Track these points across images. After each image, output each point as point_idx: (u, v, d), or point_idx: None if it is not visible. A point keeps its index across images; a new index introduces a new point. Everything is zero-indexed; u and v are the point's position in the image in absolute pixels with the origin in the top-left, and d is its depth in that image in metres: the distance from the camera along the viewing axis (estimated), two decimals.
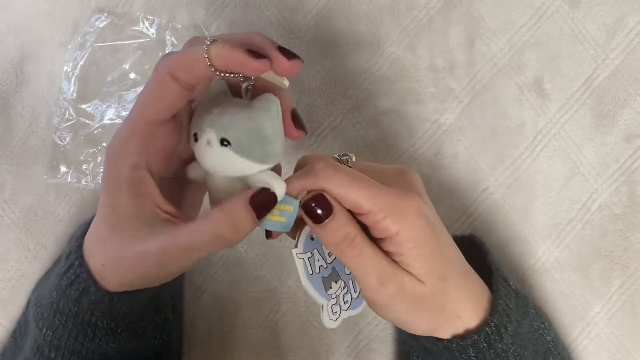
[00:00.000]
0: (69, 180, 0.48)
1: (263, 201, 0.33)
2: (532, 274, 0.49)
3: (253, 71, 0.32)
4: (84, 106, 0.49)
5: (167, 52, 0.35)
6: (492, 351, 0.37)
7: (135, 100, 0.34)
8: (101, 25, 0.49)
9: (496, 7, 0.50)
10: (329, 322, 0.37)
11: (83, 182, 0.48)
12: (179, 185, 0.38)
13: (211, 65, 0.31)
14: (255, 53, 0.31)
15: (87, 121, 0.48)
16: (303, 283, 0.36)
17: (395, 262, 0.35)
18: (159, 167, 0.35)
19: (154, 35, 0.49)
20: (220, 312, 0.49)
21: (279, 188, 0.33)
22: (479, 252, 0.43)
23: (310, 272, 0.36)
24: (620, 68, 0.50)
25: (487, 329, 0.37)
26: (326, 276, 0.37)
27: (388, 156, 0.49)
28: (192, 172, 0.37)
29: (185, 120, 0.36)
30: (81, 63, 0.49)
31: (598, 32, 0.50)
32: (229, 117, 0.33)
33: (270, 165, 0.34)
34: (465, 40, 0.50)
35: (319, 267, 0.36)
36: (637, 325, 0.49)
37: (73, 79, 0.48)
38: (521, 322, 0.39)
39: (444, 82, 0.50)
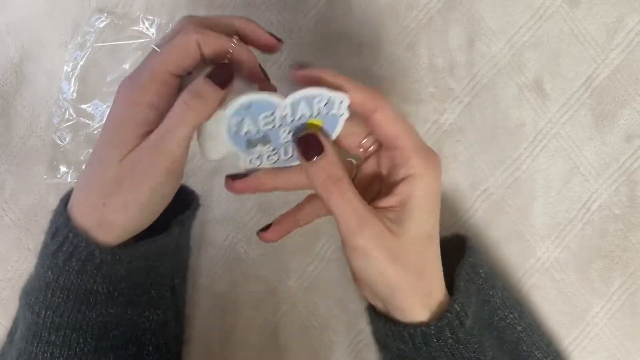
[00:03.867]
0: (69, 180, 0.48)
1: (222, 73, 0.36)
2: (532, 273, 0.49)
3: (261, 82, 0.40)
4: (84, 106, 0.49)
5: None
6: (454, 336, 0.37)
7: (152, 54, 0.37)
8: (101, 26, 0.49)
9: (496, 7, 0.50)
10: (244, 168, 0.39)
11: None
12: None
13: (228, 57, 0.37)
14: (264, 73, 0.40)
15: (87, 121, 0.48)
16: (227, 140, 0.37)
17: (391, 212, 0.37)
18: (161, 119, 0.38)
19: (154, 35, 0.49)
20: (220, 312, 0.49)
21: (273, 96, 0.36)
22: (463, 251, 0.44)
23: (234, 132, 0.37)
24: (620, 68, 0.50)
25: (454, 307, 0.37)
26: (253, 139, 0.37)
27: None
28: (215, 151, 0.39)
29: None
30: (81, 63, 0.49)
31: (598, 32, 0.50)
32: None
33: None
34: (465, 41, 0.50)
35: (246, 131, 0.37)
36: (637, 325, 0.49)
37: (73, 79, 0.49)
38: (480, 309, 0.40)
39: (444, 82, 0.50)
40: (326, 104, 0.36)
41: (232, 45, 0.37)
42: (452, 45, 0.50)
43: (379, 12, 0.50)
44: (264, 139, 0.37)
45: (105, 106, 0.49)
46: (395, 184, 0.37)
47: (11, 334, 0.45)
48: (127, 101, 0.36)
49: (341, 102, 0.36)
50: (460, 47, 0.50)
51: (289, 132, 0.37)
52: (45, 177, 0.48)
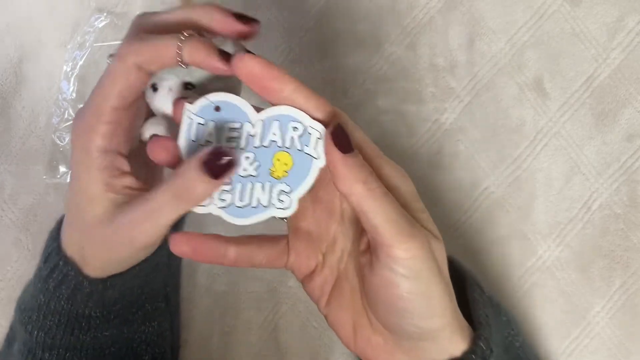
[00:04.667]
0: (68, 180, 0.48)
1: (218, 166, 0.30)
2: (532, 272, 0.49)
3: (222, 72, 0.31)
4: None
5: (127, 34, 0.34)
6: None
7: (97, 86, 0.33)
8: (101, 25, 0.49)
9: (497, 7, 0.50)
10: None
11: None
12: (139, 161, 0.38)
13: (182, 62, 0.31)
14: (227, 56, 0.31)
15: None
16: (178, 142, 0.32)
17: None
18: (126, 146, 0.35)
19: None
20: (220, 312, 0.49)
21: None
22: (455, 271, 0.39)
23: (193, 139, 0.31)
24: (620, 67, 0.49)
25: (481, 343, 0.34)
26: None
27: (388, 156, 0.49)
28: (149, 129, 0.35)
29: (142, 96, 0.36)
30: (81, 63, 0.49)
31: (599, 32, 0.50)
32: (186, 68, 0.32)
33: None
34: (465, 40, 0.50)
35: (206, 141, 0.31)
36: (637, 325, 0.49)
37: (72, 79, 0.48)
38: (497, 329, 0.37)
39: (444, 82, 0.50)
40: (301, 135, 0.31)
41: (178, 53, 0.31)
42: (452, 44, 0.50)
43: (379, 12, 0.50)
44: None
45: None
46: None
47: (8, 338, 0.45)
48: (80, 148, 0.33)
49: (318, 139, 0.30)
50: (460, 47, 0.50)
51: (251, 163, 0.31)
52: (44, 177, 0.48)
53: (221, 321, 0.49)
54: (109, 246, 0.34)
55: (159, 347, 0.43)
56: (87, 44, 0.49)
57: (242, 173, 0.32)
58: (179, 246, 0.33)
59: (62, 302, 0.37)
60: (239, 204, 0.32)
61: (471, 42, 0.50)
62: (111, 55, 0.34)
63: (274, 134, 0.31)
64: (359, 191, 0.30)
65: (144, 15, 0.34)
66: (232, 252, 0.34)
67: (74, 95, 0.48)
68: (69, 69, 0.48)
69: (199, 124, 0.31)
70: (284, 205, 0.31)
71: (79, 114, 0.34)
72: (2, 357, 0.45)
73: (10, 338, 0.45)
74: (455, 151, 0.49)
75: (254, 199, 0.32)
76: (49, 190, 0.48)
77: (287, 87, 0.31)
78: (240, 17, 0.32)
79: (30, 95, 0.49)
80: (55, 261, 0.36)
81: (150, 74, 0.33)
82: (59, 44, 0.49)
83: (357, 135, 0.32)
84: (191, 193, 0.31)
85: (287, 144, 0.31)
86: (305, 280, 0.36)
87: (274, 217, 0.32)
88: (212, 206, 0.32)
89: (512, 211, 0.49)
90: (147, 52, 0.31)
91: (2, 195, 0.48)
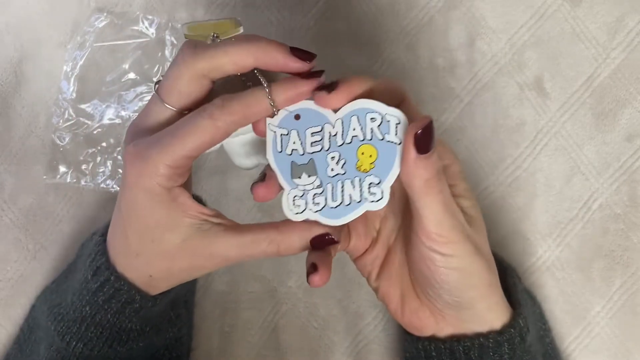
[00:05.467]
0: (68, 180, 0.48)
1: (319, 240, 0.33)
2: (533, 272, 0.49)
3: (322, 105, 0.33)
4: (83, 106, 0.48)
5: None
6: (511, 352, 0.36)
7: (175, 126, 0.32)
8: (100, 25, 0.49)
9: (497, 7, 0.49)
10: (288, 211, 0.33)
11: (82, 183, 0.48)
12: None
13: (275, 108, 0.32)
14: (323, 86, 0.32)
15: (86, 121, 0.48)
16: (267, 156, 0.33)
17: None
18: (185, 178, 0.35)
19: (154, 35, 0.49)
20: (220, 312, 0.49)
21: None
22: None
23: (279, 150, 0.32)
24: (621, 67, 0.49)
25: (520, 320, 0.36)
26: (298, 164, 0.33)
27: None
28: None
29: None
30: (80, 63, 0.49)
31: (599, 32, 0.50)
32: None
33: None
34: (465, 40, 0.50)
35: (292, 150, 0.32)
36: (638, 325, 0.49)
37: (72, 79, 0.48)
38: (532, 321, 0.39)
39: (444, 82, 0.50)
40: (380, 124, 0.31)
41: (271, 104, 0.32)
42: (452, 44, 0.50)
43: (379, 12, 0.50)
44: (309, 167, 0.33)
45: (104, 106, 0.49)
46: None
47: (19, 341, 0.45)
48: (141, 186, 0.33)
49: (397, 124, 0.31)
50: (460, 47, 0.50)
51: (337, 161, 0.32)
52: (44, 177, 0.48)
53: (221, 321, 0.49)
54: (191, 270, 0.35)
55: (177, 351, 0.43)
56: (87, 44, 0.49)
57: (330, 173, 0.32)
58: (320, 282, 0.35)
59: (109, 316, 0.37)
60: (332, 204, 0.33)
61: (471, 42, 0.50)
62: (183, 25, 0.34)
63: (354, 129, 0.32)
64: (417, 185, 0.31)
65: (199, 52, 0.32)
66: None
67: (74, 95, 0.48)
68: (69, 69, 0.48)
69: (283, 135, 0.32)
70: (376, 197, 0.32)
71: (139, 153, 0.33)
72: (17, 358, 0.45)
73: (21, 341, 0.45)
74: (456, 151, 0.49)
75: (345, 196, 0.32)
76: (48, 191, 0.48)
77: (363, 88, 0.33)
78: (298, 53, 0.33)
79: (30, 95, 0.49)
80: (106, 276, 0.36)
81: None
82: (59, 44, 0.49)
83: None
84: (288, 252, 0.34)
85: (369, 136, 0.31)
86: (358, 258, 0.39)
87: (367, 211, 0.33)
88: (307, 211, 0.33)
89: (512, 211, 0.49)
90: (240, 111, 0.32)
91: (2, 195, 0.48)
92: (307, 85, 0.32)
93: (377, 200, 0.32)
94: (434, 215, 0.32)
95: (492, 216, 0.49)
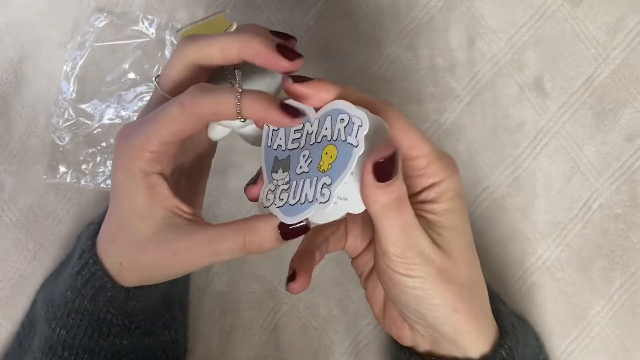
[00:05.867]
0: (68, 180, 0.48)
1: (292, 231, 0.32)
2: (533, 272, 0.49)
3: (284, 126, 0.33)
4: (83, 106, 0.48)
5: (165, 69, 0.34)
6: None
7: (153, 113, 0.33)
8: (100, 25, 0.49)
9: (497, 7, 0.49)
10: (259, 204, 0.34)
11: (82, 182, 0.48)
12: (183, 174, 0.39)
13: (240, 115, 0.31)
14: (290, 109, 0.31)
15: (86, 121, 0.48)
16: (261, 149, 0.34)
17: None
18: (170, 170, 0.35)
19: (154, 35, 0.49)
20: (220, 312, 0.49)
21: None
22: None
23: (269, 145, 0.33)
24: (621, 67, 0.49)
25: (502, 351, 0.35)
26: (279, 159, 0.33)
27: None
28: (216, 130, 0.36)
29: None
30: (80, 63, 0.49)
31: (599, 32, 0.50)
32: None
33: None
34: (465, 40, 0.50)
35: (277, 145, 0.33)
36: (638, 324, 0.49)
37: (72, 79, 0.48)
38: (525, 342, 0.38)
39: (444, 82, 0.50)
40: (346, 125, 0.30)
41: (238, 111, 0.31)
42: (452, 44, 0.50)
43: (379, 12, 0.50)
44: (285, 164, 0.33)
45: (104, 106, 0.49)
46: (415, 195, 0.34)
47: (19, 337, 0.45)
48: (123, 169, 0.34)
49: (359, 127, 0.30)
50: (460, 47, 0.50)
51: (306, 160, 0.32)
52: (44, 177, 0.48)
53: (221, 321, 0.49)
54: (155, 266, 0.35)
55: (174, 353, 0.43)
56: (87, 43, 0.49)
57: (298, 171, 0.32)
58: (299, 290, 0.36)
59: (86, 302, 0.37)
60: (291, 201, 0.32)
61: (471, 41, 0.50)
62: (178, 31, 0.35)
63: (326, 129, 0.31)
64: (374, 208, 0.31)
65: (190, 43, 0.33)
66: (317, 255, 0.38)
67: (74, 95, 0.48)
68: (69, 69, 0.48)
69: (274, 129, 0.33)
70: (324, 198, 0.31)
71: (125, 134, 0.34)
72: (14, 354, 0.45)
73: (21, 336, 0.45)
74: (455, 151, 0.49)
75: (302, 195, 0.31)
76: (48, 191, 0.48)
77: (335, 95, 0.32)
78: (284, 51, 0.32)
79: (30, 95, 0.49)
80: (87, 259, 0.37)
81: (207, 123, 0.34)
82: (58, 44, 0.49)
83: (412, 133, 0.33)
84: (260, 249, 0.32)
85: (335, 137, 0.31)
86: (354, 259, 0.40)
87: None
88: (272, 206, 0.32)
89: (512, 211, 0.49)
90: (208, 107, 0.31)
91: (2, 195, 0.48)
92: (277, 116, 0.31)
93: (324, 202, 0.31)
94: (390, 236, 0.32)
95: (492, 216, 0.49)
